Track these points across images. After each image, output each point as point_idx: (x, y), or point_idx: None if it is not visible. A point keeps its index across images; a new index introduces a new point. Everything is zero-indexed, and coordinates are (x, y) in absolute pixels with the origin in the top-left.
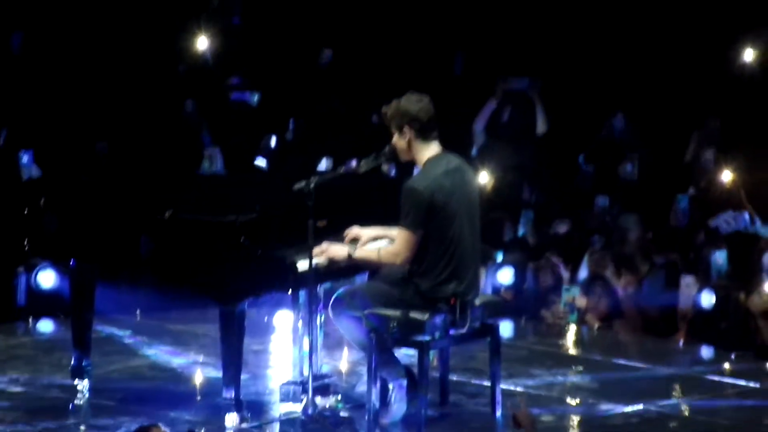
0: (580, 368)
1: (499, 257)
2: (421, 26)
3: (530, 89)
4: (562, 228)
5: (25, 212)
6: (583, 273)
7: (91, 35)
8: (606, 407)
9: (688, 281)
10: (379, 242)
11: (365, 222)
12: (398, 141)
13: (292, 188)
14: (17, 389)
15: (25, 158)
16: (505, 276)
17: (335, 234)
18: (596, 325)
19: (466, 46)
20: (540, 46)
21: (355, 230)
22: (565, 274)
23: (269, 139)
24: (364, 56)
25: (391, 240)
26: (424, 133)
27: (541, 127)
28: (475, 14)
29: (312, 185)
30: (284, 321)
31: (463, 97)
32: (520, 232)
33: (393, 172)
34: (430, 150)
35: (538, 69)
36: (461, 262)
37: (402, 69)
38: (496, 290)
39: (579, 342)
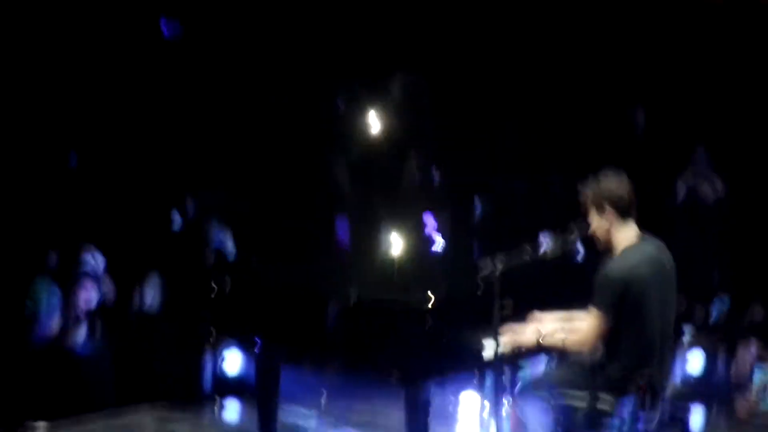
0: None
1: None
2: (598, 84)
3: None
4: (758, 313)
5: (213, 293)
6: None
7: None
8: None
9: None
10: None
11: (550, 305)
12: (598, 222)
13: (477, 272)
14: None
15: (219, 237)
16: (696, 362)
17: (519, 316)
18: None
19: (648, 102)
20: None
21: (537, 316)
22: (759, 359)
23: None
24: (543, 126)
25: (572, 325)
26: (624, 213)
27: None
28: (658, 70)
29: (498, 271)
30: (470, 403)
31: (646, 157)
32: (712, 317)
33: (579, 256)
34: (628, 234)
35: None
36: (653, 352)
37: (579, 135)
38: (686, 378)
39: None
